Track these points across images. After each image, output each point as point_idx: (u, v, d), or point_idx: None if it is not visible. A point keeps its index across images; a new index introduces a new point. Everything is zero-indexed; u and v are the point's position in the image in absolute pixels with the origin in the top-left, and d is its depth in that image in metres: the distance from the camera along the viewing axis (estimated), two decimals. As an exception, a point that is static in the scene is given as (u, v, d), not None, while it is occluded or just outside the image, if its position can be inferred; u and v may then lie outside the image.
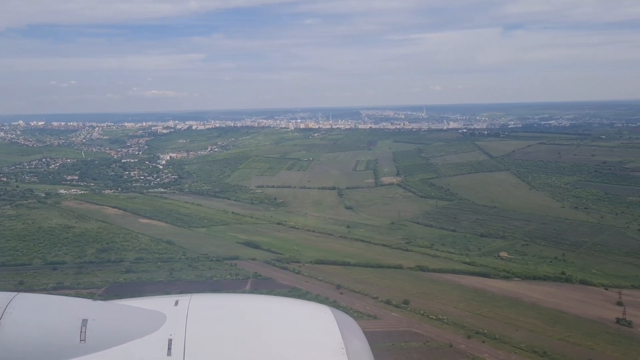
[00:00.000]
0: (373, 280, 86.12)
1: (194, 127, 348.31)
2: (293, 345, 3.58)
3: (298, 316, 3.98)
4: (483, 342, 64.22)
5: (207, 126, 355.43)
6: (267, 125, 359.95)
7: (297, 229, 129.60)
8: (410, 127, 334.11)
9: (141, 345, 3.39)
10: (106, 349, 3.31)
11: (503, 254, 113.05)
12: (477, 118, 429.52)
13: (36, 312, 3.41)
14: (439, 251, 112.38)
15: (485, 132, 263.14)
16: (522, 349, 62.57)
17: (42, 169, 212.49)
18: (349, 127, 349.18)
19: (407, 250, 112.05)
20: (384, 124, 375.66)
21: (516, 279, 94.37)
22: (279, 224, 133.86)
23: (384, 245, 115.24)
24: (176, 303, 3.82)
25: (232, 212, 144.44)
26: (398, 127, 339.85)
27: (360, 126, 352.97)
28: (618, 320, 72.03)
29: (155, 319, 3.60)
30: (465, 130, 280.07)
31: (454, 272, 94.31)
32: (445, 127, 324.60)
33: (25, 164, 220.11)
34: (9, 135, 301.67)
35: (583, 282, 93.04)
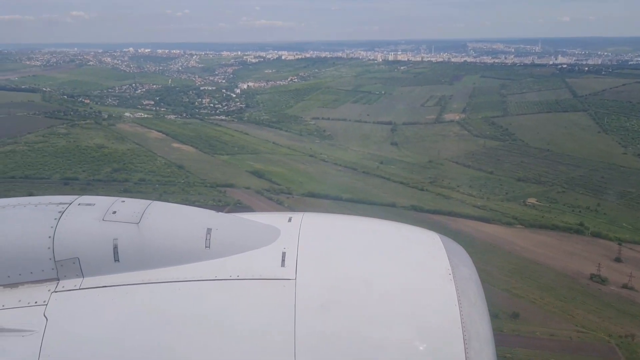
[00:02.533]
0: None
1: (283, 58, 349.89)
2: (400, 266, 3.68)
3: (406, 240, 4.04)
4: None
5: (297, 57, 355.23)
6: (355, 57, 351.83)
7: (326, 162, 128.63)
8: (509, 61, 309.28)
9: (258, 255, 3.65)
10: (227, 256, 3.63)
11: (531, 200, 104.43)
12: (598, 53, 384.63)
13: (169, 218, 3.75)
14: (458, 193, 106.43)
15: (586, 69, 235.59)
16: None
17: (128, 94, 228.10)
18: (441, 60, 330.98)
19: (422, 189, 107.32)
20: (484, 57, 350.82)
21: (519, 225, 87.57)
22: (311, 156, 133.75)
23: (401, 183, 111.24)
24: (289, 219, 4.03)
25: (273, 142, 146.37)
26: (496, 61, 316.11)
27: (453, 59, 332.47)
28: (592, 277, 64.84)
29: (270, 233, 3.83)
30: (565, 66, 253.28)
31: (449, 214, 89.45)
32: (549, 62, 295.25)
33: (117, 89, 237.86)
34: (114, 61, 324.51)
35: (596, 234, 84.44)
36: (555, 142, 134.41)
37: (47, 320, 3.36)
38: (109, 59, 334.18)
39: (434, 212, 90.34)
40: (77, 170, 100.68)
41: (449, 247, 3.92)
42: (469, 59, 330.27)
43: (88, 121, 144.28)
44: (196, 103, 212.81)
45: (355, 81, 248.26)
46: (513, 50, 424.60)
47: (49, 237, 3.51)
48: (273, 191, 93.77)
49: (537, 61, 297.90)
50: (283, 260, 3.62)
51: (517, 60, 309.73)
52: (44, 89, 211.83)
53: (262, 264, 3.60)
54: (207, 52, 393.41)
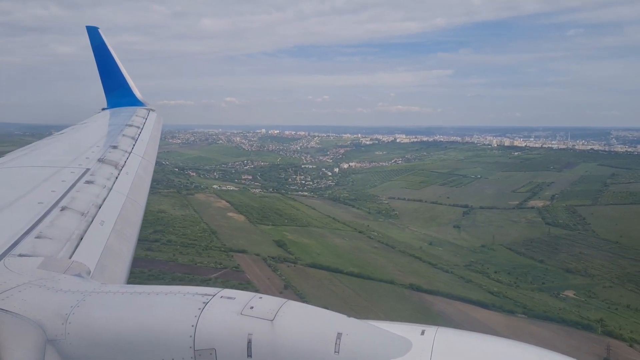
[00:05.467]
0: (337, 288, 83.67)
1: (397, 140, 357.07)
2: None
3: None
4: None
5: (412, 140, 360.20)
6: (471, 142, 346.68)
7: (370, 239, 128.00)
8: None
9: None
10: None
11: (567, 292, 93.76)
12: None
13: (301, 317, 3.79)
14: (486, 278, 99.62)
15: None
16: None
17: (234, 169, 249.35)
18: (563, 147, 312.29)
19: (447, 272, 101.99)
20: (621, 146, 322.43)
21: (521, 315, 79.43)
22: (360, 232, 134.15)
23: (430, 263, 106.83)
24: (422, 332, 3.83)
25: (332, 218, 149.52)
26: (627, 150, 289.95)
27: (578, 147, 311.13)
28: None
29: (402, 345, 3.68)
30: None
31: (448, 295, 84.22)
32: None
33: (230, 164, 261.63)
34: (242, 141, 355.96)
35: (608, 333, 73.70)
36: (629, 235, 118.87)
37: None
38: (238, 139, 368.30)
39: (431, 292, 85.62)
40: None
41: None
42: (598, 147, 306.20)
43: (171, 190, 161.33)
44: (289, 179, 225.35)
45: (456, 165, 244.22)
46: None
47: (192, 325, 3.68)
48: (278, 259, 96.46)
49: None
50: None
51: None
52: (164, 162, 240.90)
53: None
54: (329, 134, 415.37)
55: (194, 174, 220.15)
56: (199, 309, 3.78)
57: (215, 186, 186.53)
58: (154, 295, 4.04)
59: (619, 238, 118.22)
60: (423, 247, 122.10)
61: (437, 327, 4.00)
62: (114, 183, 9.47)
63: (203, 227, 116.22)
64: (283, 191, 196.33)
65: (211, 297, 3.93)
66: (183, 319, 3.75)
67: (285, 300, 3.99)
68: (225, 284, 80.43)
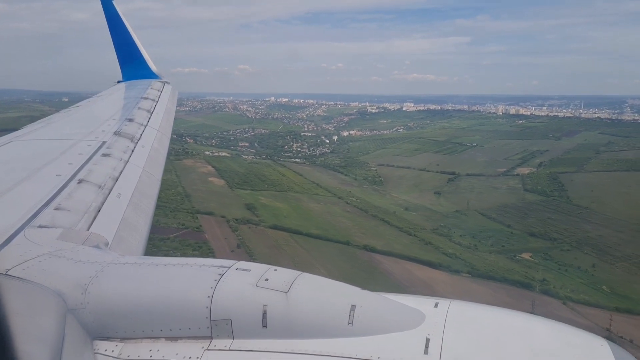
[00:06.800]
0: (290, 247, 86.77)
1: (404, 109, 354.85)
2: None
3: (566, 344, 3.49)
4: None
5: (418, 108, 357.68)
6: (477, 110, 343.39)
7: (348, 204, 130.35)
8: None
9: (401, 338, 3.56)
10: (370, 335, 3.59)
11: (524, 255, 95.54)
12: None
13: (316, 290, 3.87)
14: (449, 242, 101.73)
15: None
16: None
17: (234, 136, 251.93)
18: (570, 115, 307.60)
19: (411, 235, 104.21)
20: (629, 114, 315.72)
21: (466, 275, 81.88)
22: (339, 198, 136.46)
23: (397, 227, 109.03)
24: (436, 305, 3.89)
25: (316, 184, 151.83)
26: (634, 118, 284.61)
27: (585, 115, 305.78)
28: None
29: (415, 317, 3.73)
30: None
31: (400, 256, 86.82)
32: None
33: (231, 132, 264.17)
34: (247, 108, 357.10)
35: (546, 292, 76.24)
36: (601, 201, 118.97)
37: None
38: (245, 107, 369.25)
39: (383, 253, 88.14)
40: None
41: (619, 357, 3.45)
42: (605, 116, 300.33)
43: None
44: (285, 147, 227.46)
45: (456, 133, 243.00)
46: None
47: (208, 297, 3.81)
48: (242, 221, 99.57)
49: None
50: (426, 347, 3.49)
51: None
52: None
53: (405, 348, 3.51)
54: (337, 102, 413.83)
55: (192, 140, 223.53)
56: (215, 280, 3.89)
57: (207, 152, 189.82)
58: (171, 267, 4.19)
59: (590, 204, 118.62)
60: (397, 212, 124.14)
61: (450, 300, 4.08)
62: (130, 156, 9.57)
63: (179, 190, 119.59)
64: (276, 158, 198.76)
65: (227, 269, 4.06)
66: (199, 290, 3.86)
67: (300, 272, 4.07)
68: (182, 243, 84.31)
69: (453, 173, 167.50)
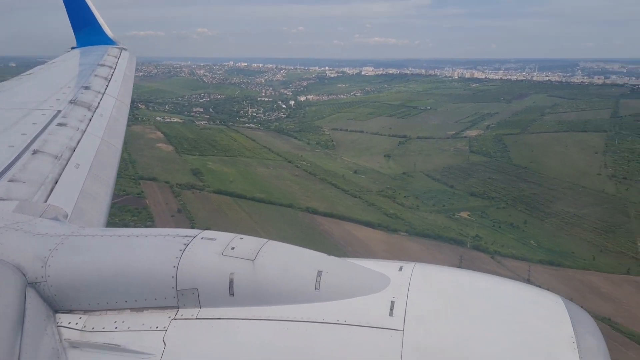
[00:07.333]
0: (232, 211, 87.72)
1: (363, 73, 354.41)
2: (516, 331, 3.38)
3: (525, 302, 3.68)
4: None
5: (377, 72, 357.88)
6: (434, 74, 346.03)
7: (297, 168, 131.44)
8: (599, 81, 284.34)
9: (366, 302, 3.64)
10: (336, 300, 3.65)
11: (463, 213, 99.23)
12: None
13: (282, 257, 3.89)
14: (392, 202, 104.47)
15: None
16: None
17: (189, 102, 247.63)
18: (522, 78, 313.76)
19: (356, 197, 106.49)
20: (588, 78, 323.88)
21: (403, 233, 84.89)
22: (289, 162, 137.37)
23: (343, 190, 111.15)
24: (400, 268, 3.94)
25: (268, 149, 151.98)
26: (582, 81, 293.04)
27: (535, 78, 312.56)
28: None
29: (380, 280, 3.79)
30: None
31: (341, 217, 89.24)
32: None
33: (186, 97, 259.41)
34: (204, 73, 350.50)
35: (477, 247, 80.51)
36: (538, 161, 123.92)
37: (165, 345, 3.60)
38: (202, 71, 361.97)
39: (325, 214, 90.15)
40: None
41: (573, 313, 3.62)
42: (555, 79, 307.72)
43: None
44: (241, 112, 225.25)
45: (411, 96, 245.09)
46: (625, 70, 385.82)
47: (174, 266, 3.79)
48: (186, 186, 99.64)
49: (630, 81, 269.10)
50: (391, 310, 3.58)
51: (624, 81, 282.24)
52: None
53: (370, 312, 3.60)
54: (297, 67, 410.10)
55: (143, 106, 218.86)
56: (180, 250, 3.88)
57: (158, 118, 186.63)
58: (134, 237, 4.17)
59: (528, 164, 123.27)
60: (346, 175, 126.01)
61: (414, 263, 4.12)
62: (87, 125, 9.23)
63: (123, 157, 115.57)
64: (230, 124, 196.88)
65: (192, 238, 4.03)
66: (164, 260, 3.85)
67: (267, 240, 4.07)
68: (121, 209, 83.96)
69: (404, 136, 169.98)
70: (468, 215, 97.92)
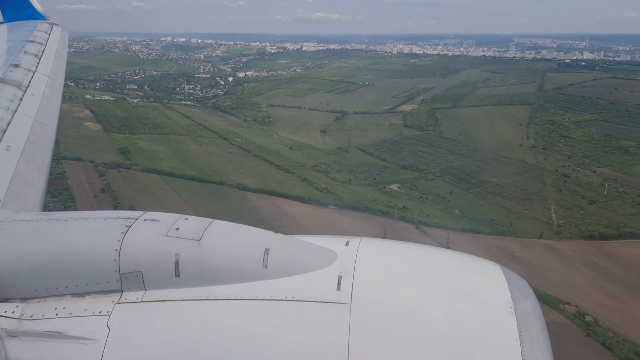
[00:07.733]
0: (160, 189, 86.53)
1: (304, 49, 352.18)
2: (458, 298, 3.59)
3: (465, 270, 3.93)
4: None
5: (318, 48, 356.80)
6: (374, 49, 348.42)
7: (232, 145, 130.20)
8: (530, 56, 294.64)
9: (314, 277, 3.71)
10: (284, 276, 3.71)
11: (393, 186, 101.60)
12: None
13: (228, 236, 3.92)
14: (325, 177, 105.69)
15: (583, 64, 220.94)
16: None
17: (122, 79, 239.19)
18: (459, 53, 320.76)
19: (289, 172, 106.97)
20: (521, 53, 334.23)
21: (333, 207, 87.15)
22: (224, 139, 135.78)
23: (277, 165, 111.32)
24: (347, 244, 4.05)
25: (203, 126, 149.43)
26: (515, 56, 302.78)
27: (471, 53, 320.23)
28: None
29: (327, 256, 3.88)
30: (568, 61, 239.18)
31: (272, 193, 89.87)
32: (571, 58, 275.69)
33: (120, 74, 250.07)
34: (140, 49, 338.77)
35: (403, 218, 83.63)
36: (467, 133, 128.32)
37: (109, 330, 3.51)
38: (137, 47, 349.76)
39: (256, 190, 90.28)
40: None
41: (510, 279, 3.82)
42: (490, 54, 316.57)
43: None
44: (177, 89, 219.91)
45: (351, 72, 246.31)
46: (555, 45, 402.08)
47: (116, 250, 3.71)
48: (112, 165, 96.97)
49: (560, 56, 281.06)
50: (339, 284, 3.64)
51: (553, 55, 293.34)
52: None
53: (318, 287, 3.66)
54: (237, 43, 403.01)
55: (73, 84, 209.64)
56: (122, 232, 3.79)
57: (88, 96, 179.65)
58: (73, 221, 4.04)
59: (457, 136, 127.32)
60: (280, 151, 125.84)
61: (360, 237, 4.19)
62: (18, 105, 8.69)
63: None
64: (166, 101, 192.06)
65: (134, 220, 3.94)
66: (105, 243, 3.75)
67: (212, 220, 4.03)
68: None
69: (341, 112, 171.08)
70: (398, 187, 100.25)
